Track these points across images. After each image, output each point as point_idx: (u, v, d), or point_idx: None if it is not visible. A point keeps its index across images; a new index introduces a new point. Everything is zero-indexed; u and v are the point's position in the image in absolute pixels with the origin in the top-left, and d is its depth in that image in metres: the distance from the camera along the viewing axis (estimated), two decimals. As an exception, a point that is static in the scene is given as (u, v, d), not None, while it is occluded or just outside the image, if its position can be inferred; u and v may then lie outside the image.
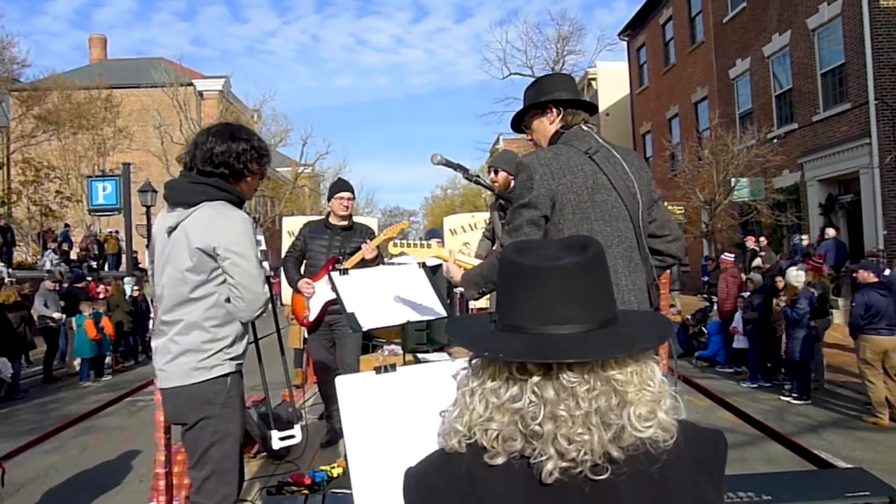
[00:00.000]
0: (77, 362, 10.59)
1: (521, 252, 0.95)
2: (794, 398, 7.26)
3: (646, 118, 23.74)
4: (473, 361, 0.92)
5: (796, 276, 7.34)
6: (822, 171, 14.08)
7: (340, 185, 4.27)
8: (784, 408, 7.08)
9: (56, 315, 10.51)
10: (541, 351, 0.85)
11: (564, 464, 0.80)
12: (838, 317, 11.86)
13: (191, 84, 28.50)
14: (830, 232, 12.86)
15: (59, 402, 8.91)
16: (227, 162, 2.15)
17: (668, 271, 2.90)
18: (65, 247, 19.26)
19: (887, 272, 6.68)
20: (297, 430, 2.55)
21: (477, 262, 2.30)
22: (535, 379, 0.84)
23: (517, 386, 0.84)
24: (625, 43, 25.23)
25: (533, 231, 1.92)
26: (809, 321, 7.21)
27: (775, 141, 15.27)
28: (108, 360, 11.14)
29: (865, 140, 12.55)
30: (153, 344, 2.23)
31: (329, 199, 4.28)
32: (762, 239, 14.02)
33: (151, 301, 9.33)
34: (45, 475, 5.56)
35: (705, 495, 0.85)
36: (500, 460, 0.83)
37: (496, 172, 3.73)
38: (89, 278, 13.92)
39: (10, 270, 15.41)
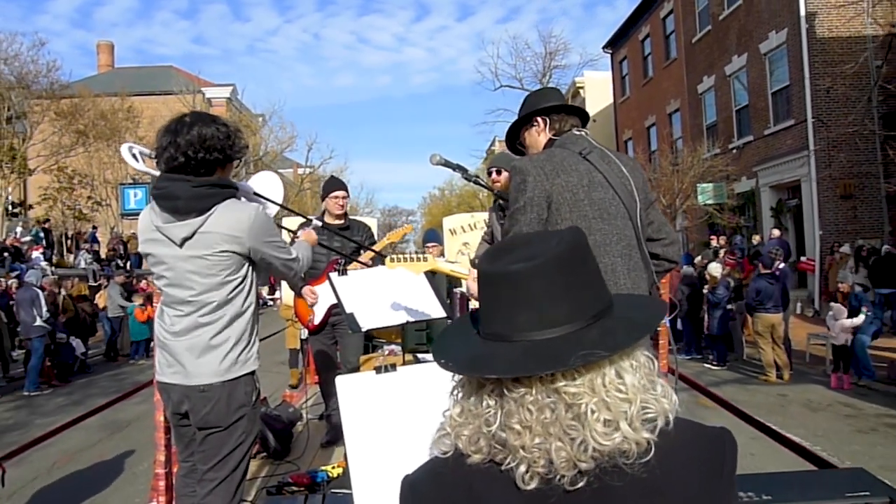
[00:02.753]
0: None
1: (488, 256, 0.94)
2: (714, 365, 9.21)
3: (627, 126, 25.60)
4: None
5: (715, 268, 9.28)
6: (772, 178, 15.98)
7: (334, 185, 4.18)
8: (703, 371, 9.01)
9: (127, 304, 12.49)
10: (477, 364, 0.85)
11: (539, 469, 0.78)
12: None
13: (200, 92, 30.14)
14: (775, 232, 14.82)
15: (125, 374, 10.87)
16: (218, 147, 2.09)
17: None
18: (95, 247, 21.17)
19: (782, 265, 8.63)
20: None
21: None
22: (490, 387, 0.84)
23: (480, 392, 0.85)
24: (608, 56, 27.16)
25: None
26: (727, 304, 9.15)
27: (734, 151, 17.21)
28: (152, 343, 13.11)
29: (805, 153, 14.45)
30: (173, 342, 2.12)
31: (323, 199, 4.20)
32: (721, 238, 16.02)
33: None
34: (140, 418, 7.47)
35: (715, 499, 0.81)
36: (477, 458, 0.83)
37: (498, 173, 3.54)
38: (128, 274, 15.84)
39: (53, 269, 17.30)
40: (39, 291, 9.27)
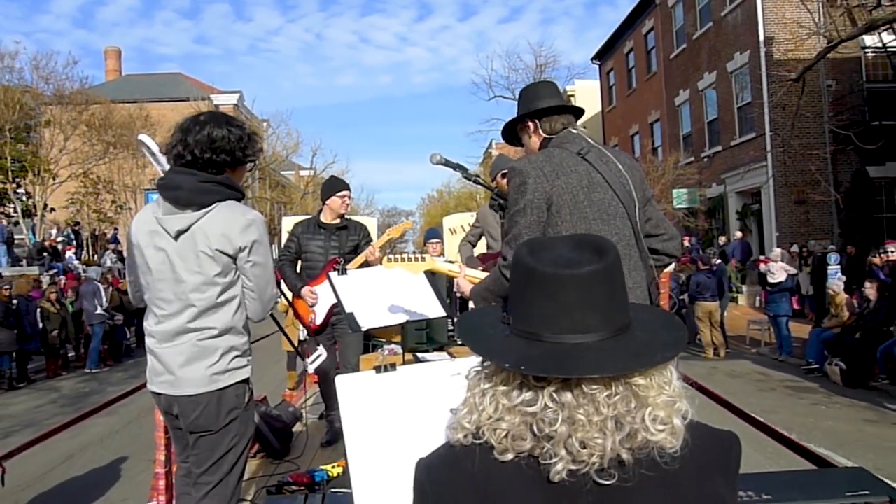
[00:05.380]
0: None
1: (535, 254, 0.94)
2: (666, 346, 10.93)
3: (614, 133, 27.25)
4: (486, 363, 0.92)
5: (668, 265, 11.00)
6: (738, 185, 17.68)
7: (340, 184, 4.18)
8: (656, 351, 10.71)
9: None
10: (562, 364, 0.85)
11: (574, 466, 0.81)
12: (742, 299, 15.60)
13: (207, 98, 31.49)
14: (738, 234, 16.58)
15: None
16: (227, 148, 2.06)
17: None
18: (119, 248, 22.88)
19: (718, 262, 10.38)
20: (321, 350, 2.75)
21: (484, 275, 2.27)
22: (553, 388, 0.84)
23: (532, 392, 0.85)
24: (596, 67, 28.90)
25: (533, 237, 1.87)
26: (679, 296, 10.85)
27: (705, 159, 18.93)
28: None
29: (763, 162, 16.15)
30: (160, 349, 2.06)
31: (326, 198, 4.11)
32: (692, 239, 17.76)
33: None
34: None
35: (721, 498, 0.87)
36: (508, 456, 0.84)
37: (503, 177, 3.57)
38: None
39: (84, 267, 18.99)
40: (100, 285, 10.96)
